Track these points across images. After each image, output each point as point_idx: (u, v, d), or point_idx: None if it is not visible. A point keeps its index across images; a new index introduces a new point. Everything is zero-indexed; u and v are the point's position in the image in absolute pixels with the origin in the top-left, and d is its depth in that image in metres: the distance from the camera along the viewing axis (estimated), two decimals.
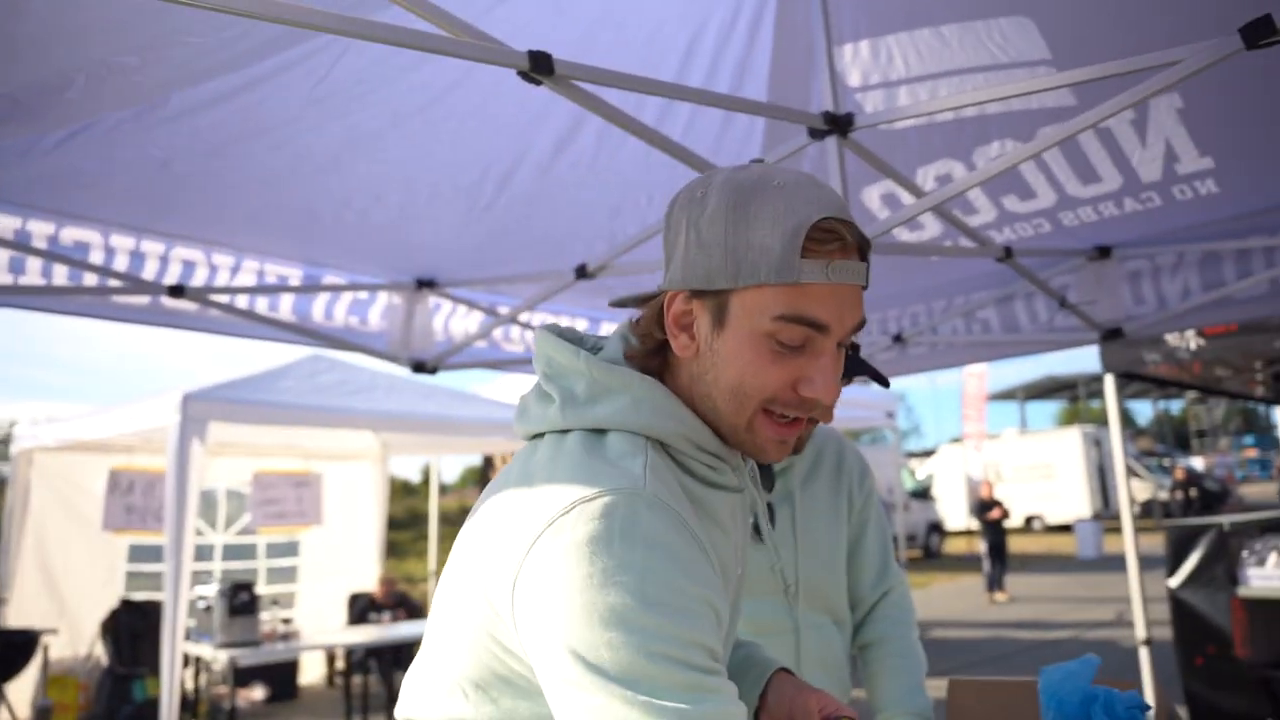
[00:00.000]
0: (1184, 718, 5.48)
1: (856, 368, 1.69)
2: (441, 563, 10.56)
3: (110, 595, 8.14)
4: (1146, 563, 4.54)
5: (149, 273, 3.14)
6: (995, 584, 14.23)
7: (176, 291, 3.10)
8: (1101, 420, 32.39)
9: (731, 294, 0.99)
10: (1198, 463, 31.57)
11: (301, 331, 3.52)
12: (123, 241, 3.05)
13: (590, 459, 0.97)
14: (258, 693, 8.72)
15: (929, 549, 21.82)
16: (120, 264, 3.07)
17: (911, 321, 4.27)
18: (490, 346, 4.16)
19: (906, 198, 3.23)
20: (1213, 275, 3.51)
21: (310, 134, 2.71)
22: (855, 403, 10.08)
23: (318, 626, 9.00)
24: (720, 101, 2.21)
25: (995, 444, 26.46)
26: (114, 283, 3.05)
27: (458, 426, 7.49)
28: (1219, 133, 2.89)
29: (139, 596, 8.16)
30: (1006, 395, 39.56)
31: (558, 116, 2.95)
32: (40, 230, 2.89)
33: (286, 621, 8.35)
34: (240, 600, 6.91)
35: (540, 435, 1.07)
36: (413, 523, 22.22)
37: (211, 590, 7.08)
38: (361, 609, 8.97)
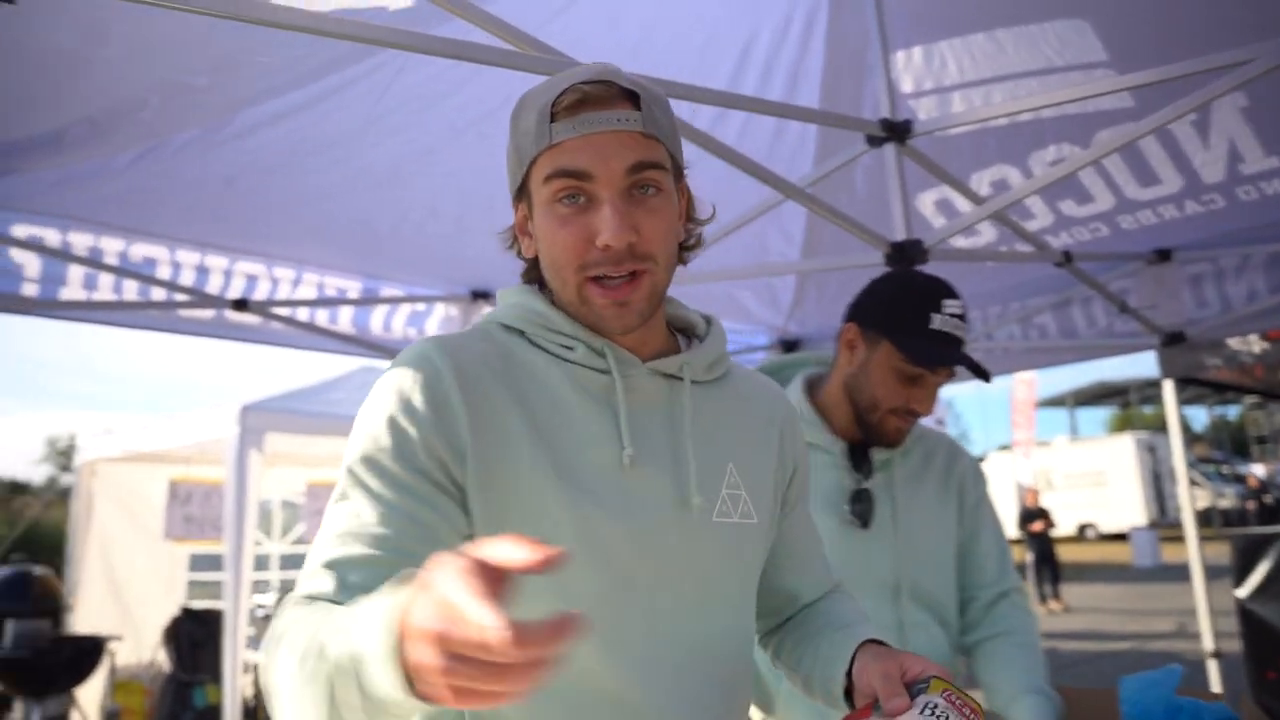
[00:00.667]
0: None
1: (957, 359, 1.68)
2: None
3: (172, 603, 8.30)
4: (1208, 572, 4.43)
5: (213, 287, 3.22)
6: (1046, 595, 13.91)
7: (240, 305, 3.18)
8: (1154, 426, 31.75)
9: (527, 182, 1.09)
10: (1259, 470, 30.79)
11: (360, 343, 3.58)
12: (188, 257, 3.13)
13: None
14: None
15: None
16: (186, 279, 3.15)
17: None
18: None
19: (961, 203, 3.21)
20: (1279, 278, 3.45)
21: (369, 149, 2.76)
22: None
23: None
24: (775, 109, 2.21)
25: (1045, 451, 26.03)
26: (180, 297, 3.13)
27: None
28: None
29: (199, 605, 8.31)
30: (1056, 401, 38.92)
31: None
32: (111, 247, 2.97)
33: None
34: None
35: None
36: None
37: (270, 599, 7.18)
38: None
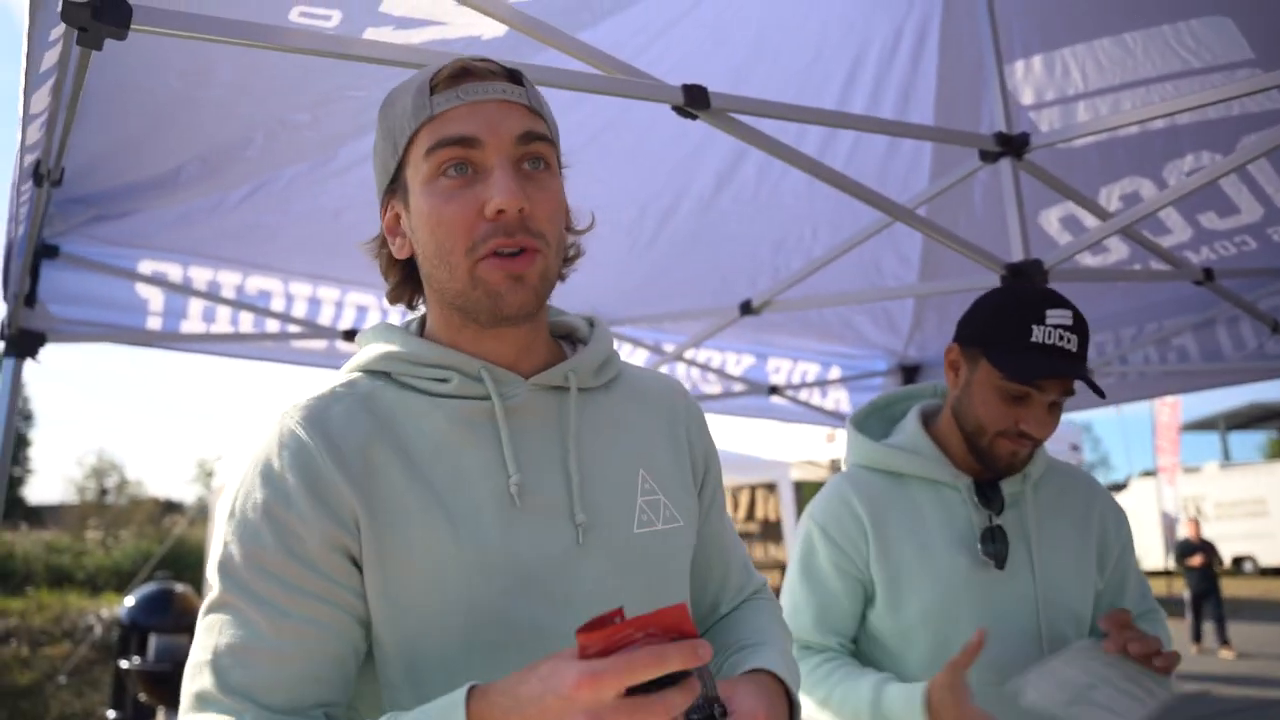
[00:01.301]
0: None
1: (1059, 371, 1.55)
2: None
3: None
4: None
5: (325, 318, 3.29)
6: (1201, 635, 12.64)
7: (350, 335, 3.23)
8: None
9: (401, 169, 1.01)
10: None
11: None
12: (301, 289, 3.20)
13: None
14: None
15: None
16: (299, 311, 3.23)
17: (1098, 351, 3.98)
18: None
19: (1089, 219, 3.02)
20: None
21: None
22: None
23: None
24: (883, 127, 2.11)
25: (1194, 478, 24.53)
26: (294, 328, 3.21)
27: None
28: None
29: None
30: (1205, 425, 36.71)
31: (717, 151, 2.92)
32: (229, 281, 3.07)
33: None
34: None
35: None
36: None
37: None
38: None
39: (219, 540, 0.97)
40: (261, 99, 2.12)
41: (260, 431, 1.01)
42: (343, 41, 1.50)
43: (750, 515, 10.51)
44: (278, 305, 3.18)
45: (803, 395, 4.54)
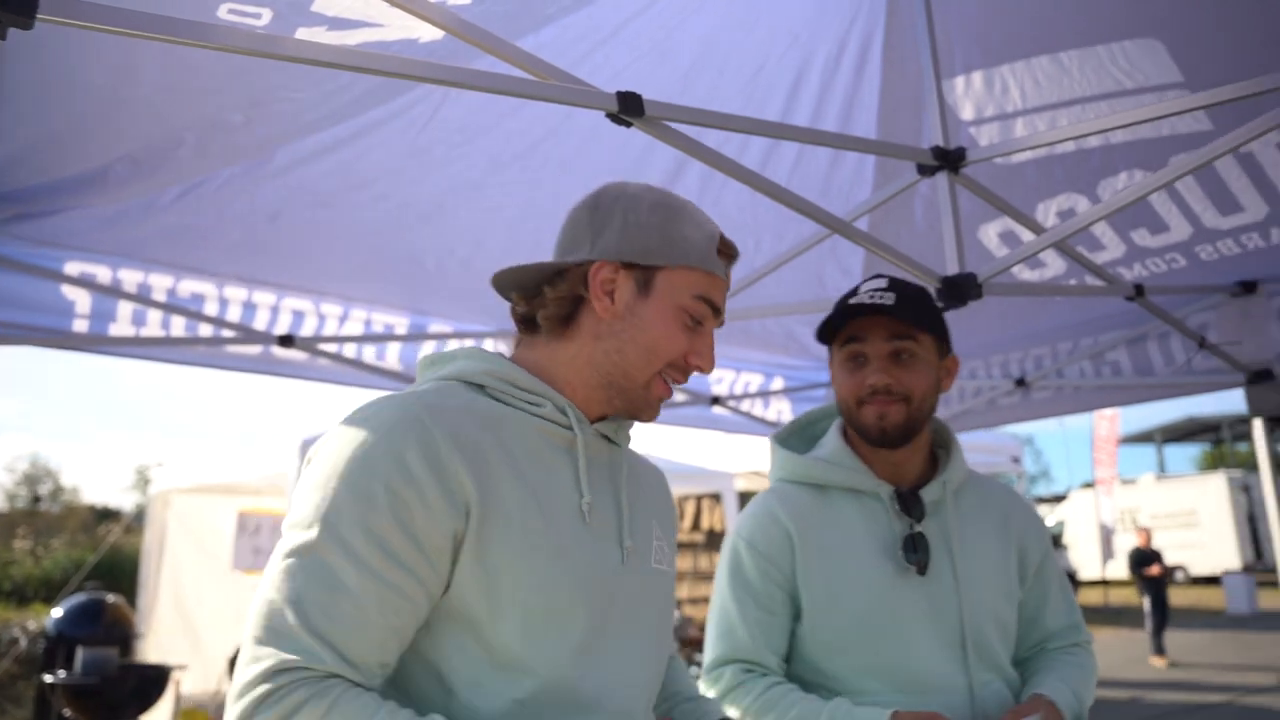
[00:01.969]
0: None
1: (875, 308, 1.70)
2: None
3: (240, 633, 8.40)
4: None
5: (260, 323, 3.22)
6: (1164, 647, 12.52)
7: (286, 341, 3.17)
8: (1249, 464, 30.45)
9: (659, 270, 1.23)
10: None
11: (408, 380, 3.55)
12: (235, 293, 3.13)
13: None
14: None
15: None
16: (233, 315, 3.16)
17: (1035, 364, 4.04)
18: None
19: (1027, 235, 3.06)
20: None
21: (412, 184, 2.74)
22: (978, 446, 9.68)
23: None
24: (822, 139, 2.12)
25: (1130, 489, 25.09)
26: (227, 333, 3.14)
27: None
28: None
29: None
30: (1142, 438, 37.60)
31: (659, 161, 2.91)
32: (159, 284, 2.99)
33: None
34: None
35: None
36: None
37: None
38: None
39: (318, 499, 1.05)
40: (192, 98, 2.06)
41: (377, 412, 1.11)
42: (273, 41, 1.46)
43: (695, 525, 10.53)
44: (211, 309, 3.10)
45: (745, 406, 4.55)
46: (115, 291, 2.89)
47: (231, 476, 7.59)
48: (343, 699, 0.99)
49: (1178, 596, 21.01)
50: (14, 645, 11.35)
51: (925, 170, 2.21)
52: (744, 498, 10.86)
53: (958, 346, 4.16)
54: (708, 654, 1.79)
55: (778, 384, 4.61)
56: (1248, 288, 3.30)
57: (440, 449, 1.08)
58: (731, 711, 1.70)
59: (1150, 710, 9.18)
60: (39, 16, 1.03)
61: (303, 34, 1.82)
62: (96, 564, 9.94)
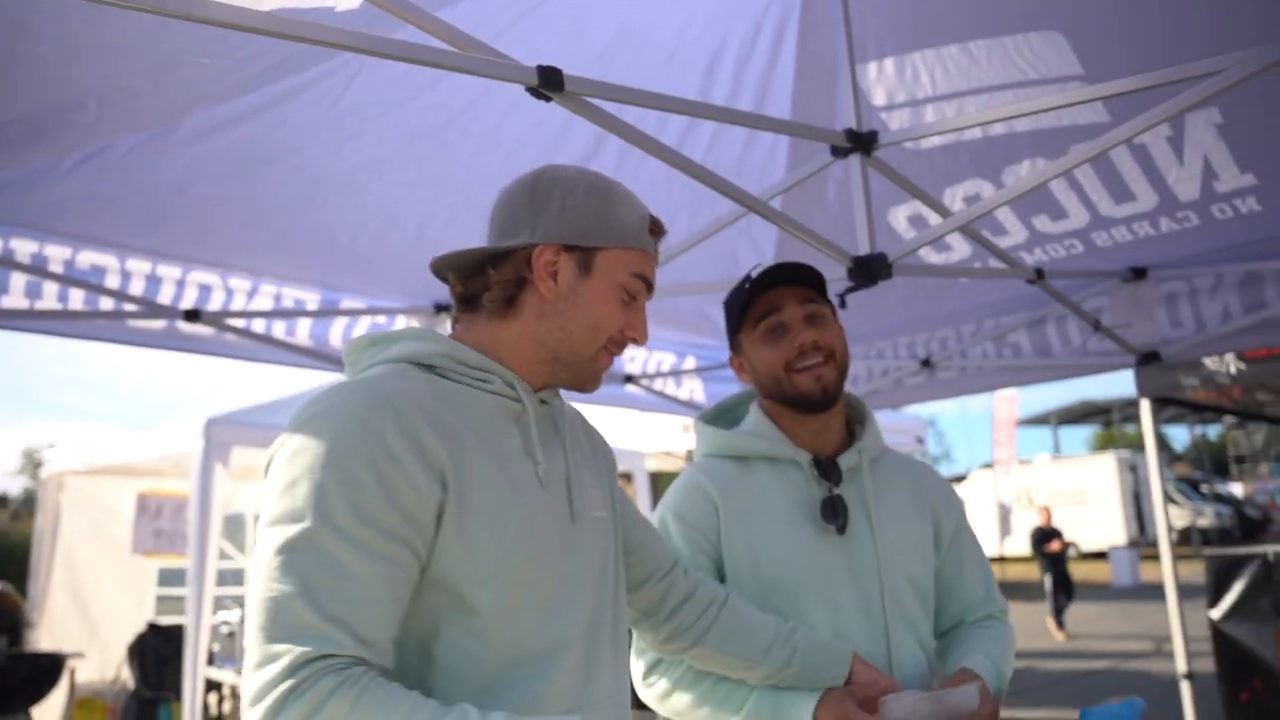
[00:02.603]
0: None
1: (781, 276, 1.79)
2: None
3: (140, 619, 8.15)
4: (1185, 592, 4.38)
5: (165, 296, 3.12)
6: (1064, 622, 12.90)
7: (192, 316, 3.08)
8: (1137, 445, 31.89)
9: (599, 251, 1.30)
10: (1237, 489, 30.92)
11: (319, 356, 3.49)
12: (139, 265, 3.03)
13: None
14: None
15: None
16: (136, 288, 3.05)
17: (940, 345, 4.17)
18: None
19: (934, 219, 3.16)
20: (1254, 297, 3.40)
21: (325, 156, 2.69)
22: (885, 427, 9.86)
23: None
24: (739, 119, 2.15)
25: (1027, 469, 26.06)
26: (130, 307, 3.04)
27: None
28: (1261, 148, 2.79)
29: (167, 620, 8.16)
30: (1039, 420, 39.04)
31: (578, 138, 2.91)
32: (57, 254, 2.88)
33: None
34: None
35: None
36: None
37: (236, 615, 7.04)
38: None
39: (291, 485, 1.08)
40: (95, 60, 1.98)
41: (335, 400, 1.15)
42: (184, 1, 1.41)
43: None
44: (113, 282, 2.99)
45: (658, 385, 4.59)
46: (7, 262, 2.76)
47: (130, 457, 7.31)
48: (371, 687, 1.00)
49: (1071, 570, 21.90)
50: None
51: (839, 152, 2.26)
52: (655, 478, 10.94)
53: (866, 327, 4.27)
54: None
55: (690, 363, 4.66)
56: (1138, 274, 3.47)
57: (416, 426, 1.13)
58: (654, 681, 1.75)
59: (1043, 678, 9.60)
60: None
61: None
62: None
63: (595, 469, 1.44)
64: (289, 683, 0.98)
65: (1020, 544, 21.88)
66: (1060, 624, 12.87)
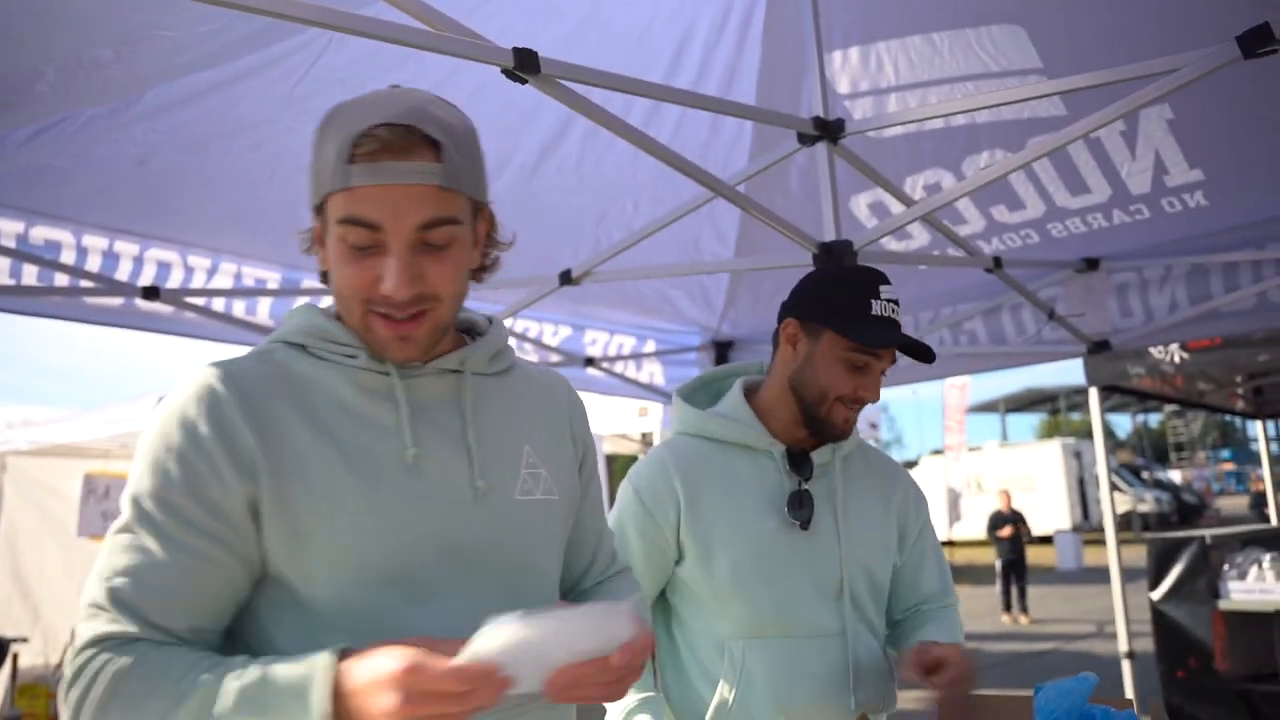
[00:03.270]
0: None
1: (901, 340, 1.69)
2: None
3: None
4: (1126, 575, 4.51)
5: (122, 273, 3.07)
6: (1012, 606, 12.97)
7: (151, 293, 3.04)
8: (1081, 433, 32.57)
9: (323, 206, 1.09)
10: (1176, 476, 31.76)
11: None
12: (95, 241, 2.98)
13: None
14: None
15: None
16: (93, 264, 3.00)
17: None
18: None
19: (895, 206, 3.20)
20: (1200, 289, 3.50)
21: (289, 133, 2.66)
22: None
23: None
24: (709, 104, 2.17)
25: (976, 455, 26.52)
26: (86, 283, 2.98)
27: None
28: (1208, 145, 2.87)
29: None
30: (988, 407, 39.74)
31: (544, 120, 2.91)
32: (9, 229, 2.82)
33: None
34: None
35: None
36: None
37: None
38: None
39: (133, 474, 1.08)
40: (58, 29, 1.95)
41: (180, 383, 1.11)
42: None
43: None
44: (68, 258, 2.94)
45: (618, 368, 4.61)
46: None
47: (76, 436, 7.18)
48: (150, 652, 1.01)
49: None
50: None
51: (805, 139, 2.29)
52: (611, 460, 10.96)
53: None
54: None
55: (650, 346, 4.68)
56: (1091, 264, 3.55)
57: (226, 414, 1.07)
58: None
59: (990, 659, 9.82)
60: None
61: None
62: None
63: (542, 448, 1.27)
64: (76, 662, 1.01)
65: (969, 529, 22.29)
66: (1024, 608, 12.97)
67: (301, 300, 3.60)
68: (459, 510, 1.14)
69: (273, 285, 3.40)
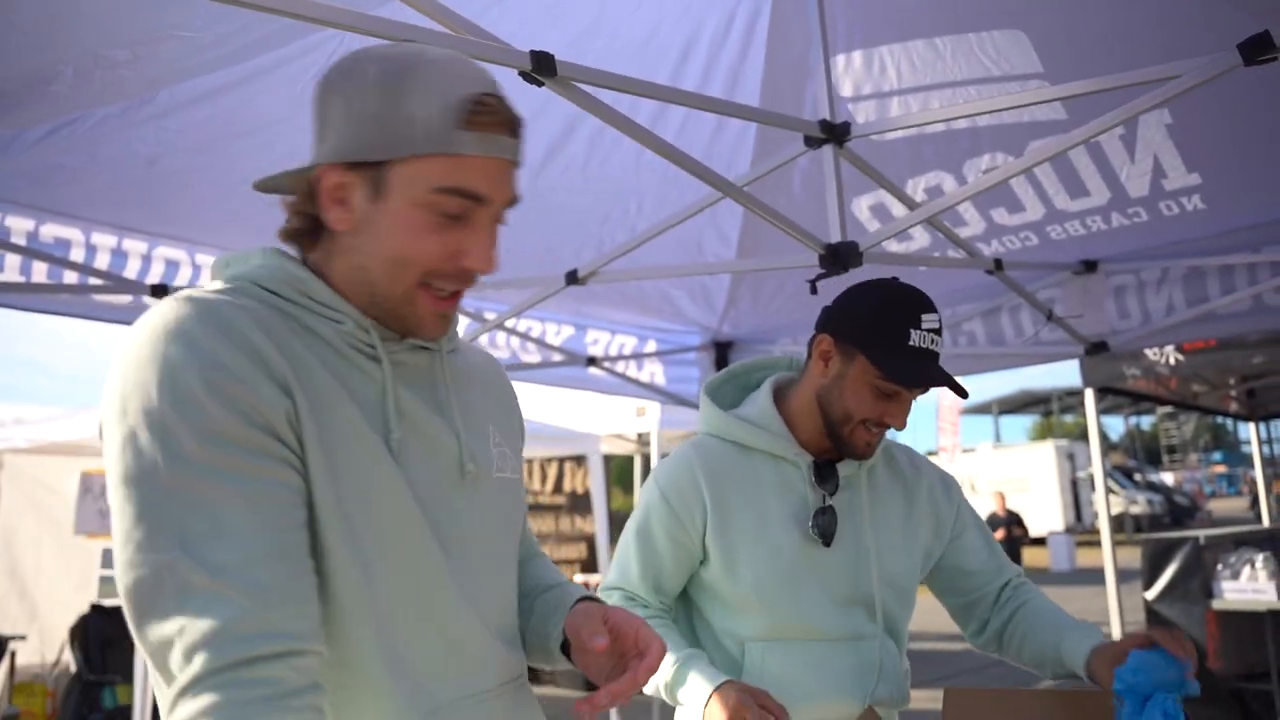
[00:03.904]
0: None
1: (935, 378, 1.67)
2: None
3: (83, 601, 8.01)
4: (1118, 576, 4.56)
5: (131, 271, 3.10)
6: None
7: (159, 291, 3.06)
8: (1074, 435, 32.69)
9: (389, 165, 1.00)
10: (1168, 478, 31.87)
11: None
12: (104, 239, 3.00)
13: None
14: None
15: None
16: (101, 262, 3.02)
17: None
18: None
19: (896, 208, 3.24)
20: (1196, 291, 3.54)
21: (300, 133, 2.64)
22: None
23: None
24: (719, 107, 2.20)
25: (970, 457, 26.61)
26: (95, 281, 3.00)
27: None
28: (1206, 149, 2.91)
29: (112, 602, 8.03)
30: (981, 409, 39.83)
31: (550, 122, 2.93)
32: (19, 226, 2.84)
33: None
34: None
35: None
36: None
37: None
38: None
39: (129, 437, 0.90)
40: (77, 30, 1.97)
41: (151, 320, 0.95)
42: None
43: (558, 488, 10.57)
44: (77, 255, 2.96)
45: (619, 367, 4.64)
46: None
47: (73, 435, 7.18)
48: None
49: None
50: None
51: (812, 142, 2.32)
52: (609, 460, 10.98)
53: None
54: (605, 578, 1.91)
55: (650, 346, 4.71)
56: (1089, 266, 3.59)
57: (245, 330, 0.95)
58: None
59: (981, 660, 9.85)
60: None
61: None
62: None
63: (503, 427, 1.25)
64: (213, 698, 0.84)
65: None
66: None
67: None
68: (451, 490, 1.10)
69: None
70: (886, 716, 1.81)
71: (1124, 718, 1.51)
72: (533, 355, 4.33)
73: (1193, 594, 6.04)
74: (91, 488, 7.98)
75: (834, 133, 2.27)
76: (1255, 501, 22.69)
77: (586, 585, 1.72)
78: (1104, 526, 4.49)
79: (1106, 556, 4.46)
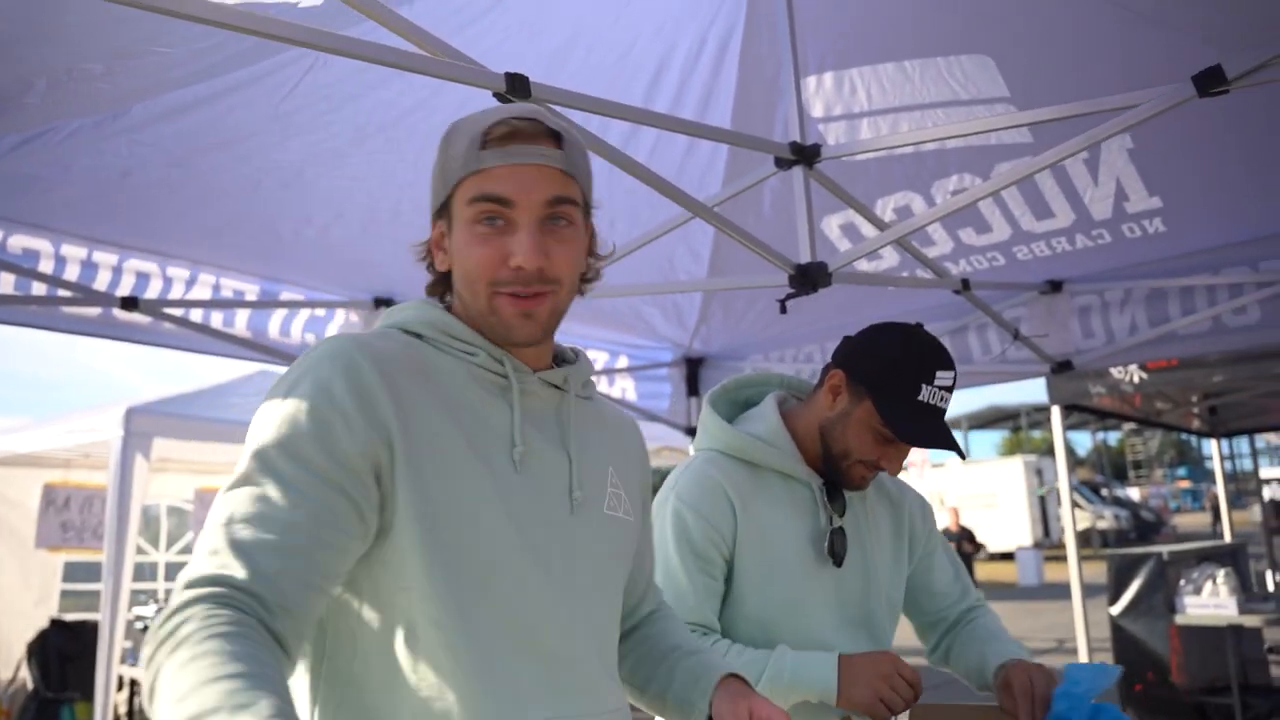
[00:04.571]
0: None
1: (936, 439, 1.70)
2: None
3: (44, 615, 7.87)
4: (1086, 591, 4.61)
5: (101, 283, 3.08)
6: None
7: (129, 304, 3.04)
8: (1042, 450, 33.00)
9: (450, 202, 1.19)
10: (1134, 493, 32.24)
11: (257, 348, 3.47)
12: (74, 251, 2.98)
13: None
14: None
15: None
16: (71, 274, 3.00)
17: None
18: None
19: (866, 228, 3.28)
20: (1158, 311, 3.61)
21: (273, 149, 2.69)
22: None
23: None
24: (690, 129, 2.23)
25: (940, 472, 26.79)
26: (64, 293, 2.98)
27: None
28: (1167, 174, 2.98)
29: (73, 617, 7.90)
30: (951, 424, 40.08)
31: None
32: None
33: None
34: None
35: None
36: None
37: (150, 610, 6.87)
38: None
39: (254, 432, 1.08)
40: (50, 42, 1.97)
41: (310, 352, 1.14)
42: None
43: None
44: (46, 267, 2.93)
45: None
46: None
47: (36, 446, 7.06)
48: (249, 631, 0.93)
49: (977, 571, 22.56)
50: None
51: (783, 163, 2.35)
52: None
53: (798, 333, 4.40)
54: None
55: (622, 362, 4.73)
56: (1055, 286, 3.65)
57: (364, 375, 1.09)
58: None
59: (948, 675, 9.91)
60: None
61: None
62: None
63: (625, 473, 1.34)
64: (167, 610, 0.94)
65: None
66: None
67: (280, 312, 3.63)
68: (560, 516, 1.20)
69: (251, 297, 3.42)
70: None
71: None
72: None
73: (1156, 609, 6.13)
74: (54, 500, 7.85)
75: (804, 154, 2.30)
76: (1217, 516, 23.01)
77: None
78: (1070, 542, 4.54)
79: (1073, 571, 4.50)
